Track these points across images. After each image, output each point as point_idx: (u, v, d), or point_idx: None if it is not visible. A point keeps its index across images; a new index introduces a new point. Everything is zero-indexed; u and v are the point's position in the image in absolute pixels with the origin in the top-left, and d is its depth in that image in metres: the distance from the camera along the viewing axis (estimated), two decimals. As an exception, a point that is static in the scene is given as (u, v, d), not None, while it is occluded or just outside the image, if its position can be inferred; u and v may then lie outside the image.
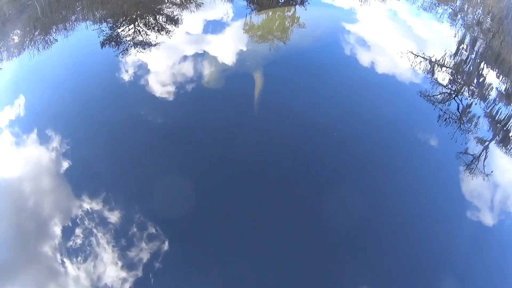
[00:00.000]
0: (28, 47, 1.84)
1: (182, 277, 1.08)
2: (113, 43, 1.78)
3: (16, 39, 1.88)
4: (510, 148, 1.53)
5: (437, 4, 2.23)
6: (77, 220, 1.15)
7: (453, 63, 1.86)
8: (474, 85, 1.77)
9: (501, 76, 1.84)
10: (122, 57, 1.65)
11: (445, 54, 1.87)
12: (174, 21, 1.91)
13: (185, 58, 1.66)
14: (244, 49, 1.76)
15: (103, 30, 1.85)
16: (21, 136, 1.36)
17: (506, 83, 1.80)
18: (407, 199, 1.27)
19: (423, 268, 1.13)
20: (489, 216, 1.29)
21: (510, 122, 1.62)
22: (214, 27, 1.89)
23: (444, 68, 1.80)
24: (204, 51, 1.70)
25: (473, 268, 1.18)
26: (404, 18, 2.19)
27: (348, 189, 1.26)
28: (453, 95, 1.66)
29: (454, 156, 1.43)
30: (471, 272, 1.18)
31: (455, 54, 1.91)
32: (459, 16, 2.26)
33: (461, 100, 1.64)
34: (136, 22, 1.90)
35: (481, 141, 1.49)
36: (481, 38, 2.08)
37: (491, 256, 1.22)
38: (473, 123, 1.56)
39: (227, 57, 1.68)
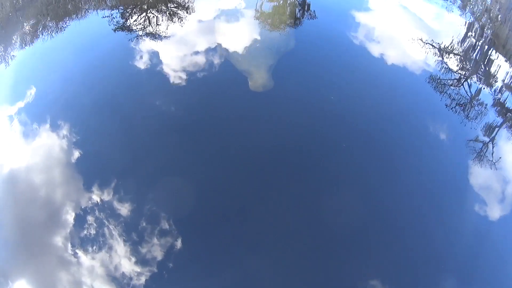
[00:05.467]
0: (39, 34, 1.83)
1: (192, 271, 1.09)
2: (125, 31, 1.77)
3: (28, 26, 1.87)
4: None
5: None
6: (88, 210, 1.15)
7: (462, 51, 1.88)
8: (482, 72, 1.79)
9: (508, 63, 1.87)
10: (134, 46, 1.65)
11: (454, 42, 1.89)
12: (186, 8, 1.91)
13: (198, 47, 1.65)
14: (256, 38, 1.76)
15: (116, 18, 1.84)
16: (32, 125, 1.36)
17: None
18: (415, 192, 1.28)
19: (431, 264, 1.14)
20: (501, 210, 1.30)
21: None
22: (225, 15, 1.89)
23: (453, 57, 1.83)
24: (217, 40, 1.70)
25: (481, 263, 1.19)
26: (413, 6, 2.20)
27: (357, 182, 1.27)
28: (462, 83, 1.68)
29: (463, 146, 1.44)
30: (478, 268, 1.19)
31: (464, 42, 1.94)
32: (468, 5, 2.29)
33: (469, 88, 1.66)
34: (149, 10, 1.89)
35: (490, 130, 1.50)
36: (490, 26, 2.11)
37: (502, 251, 1.23)
38: (481, 112, 1.57)
39: (239, 47, 1.68)
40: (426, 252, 1.16)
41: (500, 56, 1.91)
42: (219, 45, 1.66)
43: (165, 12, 1.88)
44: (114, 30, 1.76)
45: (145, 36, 1.71)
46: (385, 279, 1.09)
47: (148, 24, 1.80)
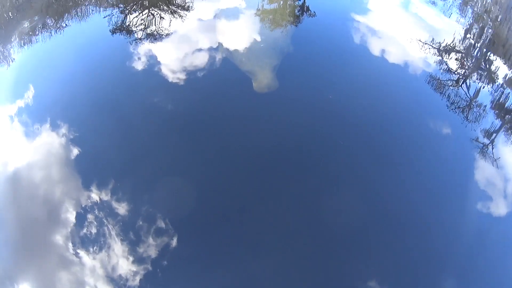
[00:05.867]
0: (39, 34, 1.83)
1: (191, 272, 1.09)
2: (124, 30, 1.77)
3: (27, 27, 1.87)
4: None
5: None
6: (89, 210, 1.15)
7: (462, 51, 1.88)
8: (482, 72, 1.79)
9: (508, 62, 1.87)
10: (135, 46, 1.65)
11: (454, 42, 1.89)
12: (187, 7, 1.91)
13: (198, 46, 1.65)
14: (259, 38, 1.76)
15: (115, 17, 1.84)
16: (32, 125, 1.36)
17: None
18: (415, 191, 1.28)
19: (431, 264, 1.13)
20: (502, 210, 1.29)
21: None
22: (226, 14, 1.89)
23: (453, 56, 1.83)
24: (218, 39, 1.70)
25: (481, 263, 1.19)
26: (414, 7, 2.20)
27: (357, 182, 1.27)
28: (462, 83, 1.68)
29: (463, 146, 1.44)
30: (478, 268, 1.19)
31: (464, 42, 1.94)
32: (469, 5, 2.29)
33: (469, 88, 1.65)
34: (149, 10, 1.89)
35: (490, 130, 1.50)
36: (490, 26, 2.11)
37: (503, 251, 1.23)
38: (482, 111, 1.56)
39: (242, 47, 1.68)
40: (426, 252, 1.16)
41: (500, 56, 1.91)
42: (221, 45, 1.66)
43: (166, 12, 1.88)
44: (115, 30, 1.76)
45: (146, 36, 1.71)
46: (385, 279, 1.10)
47: (149, 24, 1.80)
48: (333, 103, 1.48)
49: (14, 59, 1.69)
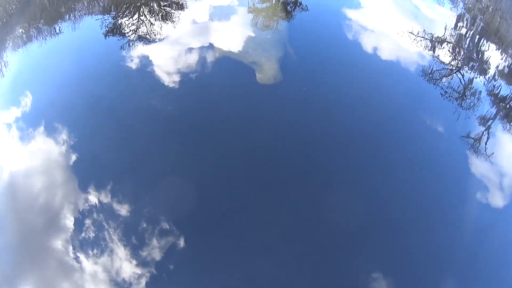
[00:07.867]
0: (34, 40, 1.82)
1: (193, 272, 1.09)
2: (118, 34, 1.76)
3: (22, 32, 1.86)
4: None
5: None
6: (86, 213, 1.15)
7: (455, 42, 1.90)
8: (476, 62, 1.81)
9: (500, 51, 1.89)
10: (128, 48, 1.64)
11: (447, 33, 1.90)
12: (180, 7, 1.91)
13: (192, 47, 1.64)
14: (250, 35, 1.77)
15: (109, 21, 1.83)
16: (28, 131, 1.35)
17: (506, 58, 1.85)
18: (415, 189, 1.28)
19: (432, 262, 1.13)
20: (502, 207, 1.29)
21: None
22: (219, 13, 1.89)
23: (446, 48, 1.84)
24: (211, 39, 1.69)
25: (482, 262, 1.18)
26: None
27: (353, 179, 1.27)
28: (455, 73, 1.69)
29: (462, 140, 1.43)
30: (479, 266, 1.18)
31: (457, 33, 1.96)
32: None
33: (463, 78, 1.66)
34: (141, 11, 1.89)
35: (484, 121, 1.50)
36: (481, 16, 2.13)
37: (501, 245, 1.22)
38: (476, 102, 1.57)
39: (233, 45, 1.68)
40: (426, 251, 1.15)
41: (492, 44, 1.93)
42: (215, 42, 1.66)
43: (158, 14, 1.88)
44: (108, 34, 1.76)
45: (144, 35, 1.71)
46: (386, 278, 1.09)
47: (139, 25, 1.79)
48: (333, 102, 1.48)
49: (7, 62, 1.68)
